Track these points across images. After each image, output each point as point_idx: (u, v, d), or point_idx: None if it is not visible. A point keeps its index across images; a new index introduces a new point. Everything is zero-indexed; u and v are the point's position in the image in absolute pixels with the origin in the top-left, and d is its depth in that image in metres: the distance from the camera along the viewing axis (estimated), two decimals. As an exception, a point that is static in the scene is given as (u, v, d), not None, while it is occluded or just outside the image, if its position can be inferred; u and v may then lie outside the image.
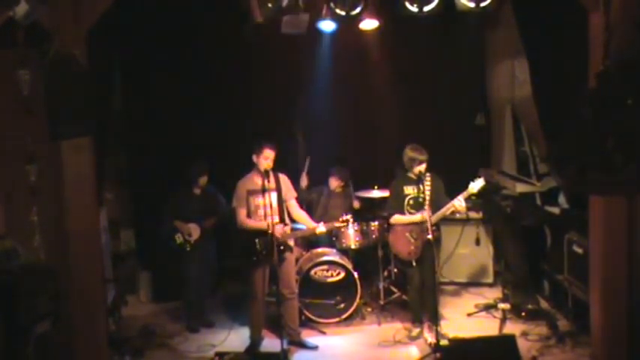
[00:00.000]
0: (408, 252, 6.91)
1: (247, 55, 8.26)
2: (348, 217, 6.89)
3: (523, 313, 7.25)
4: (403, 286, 7.56)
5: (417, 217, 6.81)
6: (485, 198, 8.00)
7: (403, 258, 7.02)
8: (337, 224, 6.91)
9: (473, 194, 6.75)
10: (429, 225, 6.53)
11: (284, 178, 6.79)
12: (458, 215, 7.57)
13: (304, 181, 8.09)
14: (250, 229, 6.60)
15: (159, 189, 7.84)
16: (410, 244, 6.87)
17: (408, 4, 5.80)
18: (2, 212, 5.45)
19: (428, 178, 6.74)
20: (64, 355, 5.56)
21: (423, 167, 6.76)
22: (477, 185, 6.66)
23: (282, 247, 6.60)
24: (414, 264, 6.89)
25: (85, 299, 5.78)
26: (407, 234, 6.89)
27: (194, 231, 7.43)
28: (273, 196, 6.56)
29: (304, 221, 6.91)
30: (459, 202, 6.66)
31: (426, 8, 5.81)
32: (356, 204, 8.04)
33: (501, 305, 7.19)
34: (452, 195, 6.82)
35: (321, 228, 6.79)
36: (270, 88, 8.40)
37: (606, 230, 5.70)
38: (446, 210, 6.74)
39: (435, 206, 6.73)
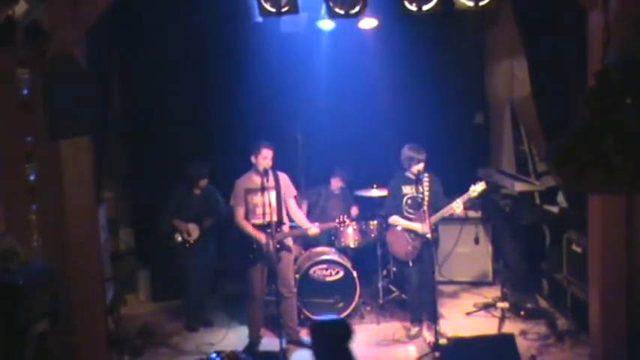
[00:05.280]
0: (405, 252, 6.91)
1: (247, 54, 8.26)
2: (344, 218, 6.92)
3: (522, 312, 7.26)
4: (402, 285, 7.56)
5: (415, 225, 6.80)
6: (484, 197, 8.00)
7: (400, 258, 7.02)
8: (331, 225, 6.95)
9: (473, 197, 6.75)
10: (428, 224, 6.54)
11: (283, 177, 6.79)
12: (457, 214, 7.58)
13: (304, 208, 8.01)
14: (247, 230, 6.62)
15: (158, 188, 7.85)
16: (408, 244, 6.88)
17: (407, 3, 5.80)
18: (1, 211, 5.45)
19: (426, 178, 6.74)
20: (64, 355, 5.55)
21: (420, 166, 6.76)
22: (478, 188, 6.67)
23: (279, 246, 6.61)
24: (411, 264, 6.89)
25: (84, 298, 5.78)
26: (405, 234, 6.89)
27: (193, 231, 7.43)
28: (272, 194, 6.57)
29: (300, 221, 6.92)
30: (457, 205, 6.67)
31: (425, 7, 5.80)
32: (354, 211, 8.02)
33: (500, 304, 7.19)
34: (450, 194, 6.83)
35: (314, 229, 6.81)
36: (269, 88, 8.40)
37: (605, 229, 5.71)
38: (444, 212, 6.76)
39: (433, 207, 6.74)
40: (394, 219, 6.95)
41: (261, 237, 6.51)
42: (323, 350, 4.18)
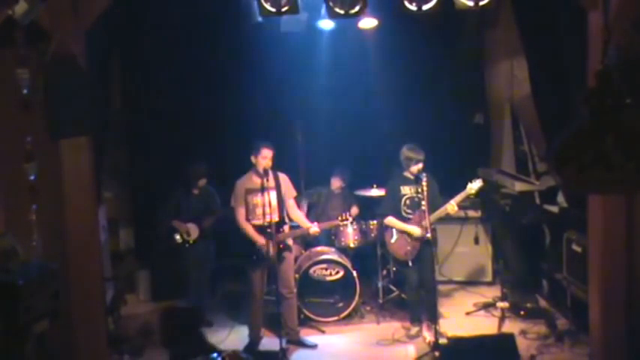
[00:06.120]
0: (404, 252, 6.91)
1: (247, 54, 8.26)
2: (346, 215, 6.91)
3: (522, 312, 7.27)
4: (402, 285, 7.56)
5: (411, 229, 6.80)
6: (484, 197, 8.01)
7: (400, 258, 7.01)
8: (333, 223, 6.94)
9: (471, 195, 6.76)
10: (427, 224, 6.54)
11: (284, 177, 6.79)
12: (457, 214, 7.59)
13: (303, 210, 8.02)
14: (247, 232, 6.62)
15: (158, 188, 7.86)
16: (407, 244, 6.87)
17: (407, 3, 5.79)
18: (1, 211, 5.45)
19: (424, 178, 6.74)
20: (63, 355, 5.55)
21: (420, 167, 6.76)
22: (475, 186, 6.68)
23: (281, 246, 6.61)
24: (410, 264, 6.89)
25: (84, 298, 5.78)
26: (404, 234, 6.88)
27: (193, 231, 7.44)
28: (273, 194, 6.56)
29: (300, 221, 6.92)
30: (451, 207, 6.69)
31: (425, 7, 5.79)
32: (355, 210, 8.01)
33: (500, 304, 7.19)
34: (450, 195, 6.83)
35: (315, 228, 6.80)
36: (269, 88, 8.40)
37: (605, 229, 5.70)
38: (439, 213, 6.76)
39: (431, 207, 6.73)
40: (390, 220, 6.94)
41: (261, 241, 6.51)
42: (173, 334, 4.39)
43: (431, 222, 6.64)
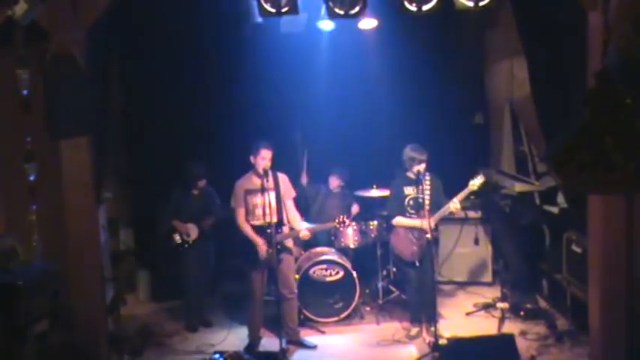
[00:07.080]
0: (411, 252, 6.89)
1: (247, 55, 8.26)
2: (343, 218, 6.89)
3: (522, 313, 7.26)
4: (402, 285, 7.56)
5: (418, 222, 6.80)
6: (484, 197, 8.01)
7: (406, 259, 6.98)
8: (329, 225, 6.93)
9: (473, 191, 6.74)
10: (428, 225, 6.54)
11: (283, 178, 6.78)
12: (457, 215, 7.59)
13: (304, 178, 8.11)
14: (247, 233, 6.62)
15: (158, 188, 7.84)
16: (413, 244, 6.85)
17: (406, 3, 5.79)
18: (1, 211, 5.45)
19: (427, 179, 6.74)
20: (63, 355, 5.55)
21: (422, 167, 6.75)
22: (477, 182, 6.65)
23: (279, 247, 6.60)
24: (418, 264, 6.87)
25: (84, 298, 5.78)
26: (409, 235, 6.87)
27: (192, 231, 7.43)
28: (272, 195, 6.55)
29: (294, 222, 6.87)
30: (454, 205, 6.68)
31: (425, 7, 5.79)
32: (355, 209, 8.01)
33: (500, 305, 7.19)
34: (449, 195, 6.83)
35: (305, 232, 6.78)
36: (269, 88, 8.40)
37: (605, 229, 5.70)
38: (443, 212, 6.75)
39: (435, 207, 6.74)
40: (398, 220, 6.93)
41: (260, 243, 6.51)
42: None
43: (434, 222, 6.63)
